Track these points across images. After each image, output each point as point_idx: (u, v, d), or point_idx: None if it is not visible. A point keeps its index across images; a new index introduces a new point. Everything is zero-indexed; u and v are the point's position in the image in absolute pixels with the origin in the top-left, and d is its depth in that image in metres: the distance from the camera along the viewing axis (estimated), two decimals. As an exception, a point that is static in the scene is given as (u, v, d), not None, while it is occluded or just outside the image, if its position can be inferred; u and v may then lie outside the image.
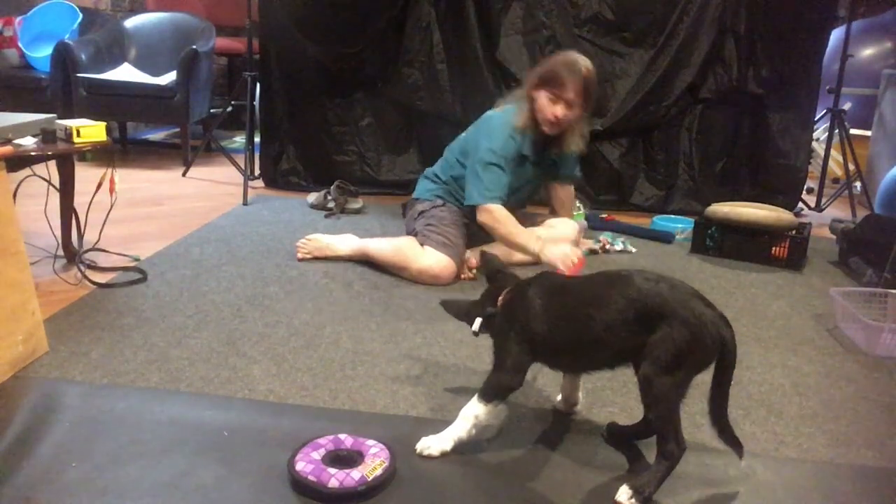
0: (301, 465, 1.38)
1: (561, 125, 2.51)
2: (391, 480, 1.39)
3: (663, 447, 1.37)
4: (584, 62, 2.48)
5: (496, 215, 2.48)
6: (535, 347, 1.48)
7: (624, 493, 1.35)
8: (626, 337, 1.37)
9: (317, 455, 1.42)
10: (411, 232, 2.70)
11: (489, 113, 2.68)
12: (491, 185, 2.50)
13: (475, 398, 1.48)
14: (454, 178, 2.67)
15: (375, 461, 1.40)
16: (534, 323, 1.46)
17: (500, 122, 2.57)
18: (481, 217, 2.51)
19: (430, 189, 2.75)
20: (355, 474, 1.35)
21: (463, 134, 2.73)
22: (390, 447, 1.46)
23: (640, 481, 1.36)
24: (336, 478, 1.34)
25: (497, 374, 1.48)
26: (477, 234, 2.64)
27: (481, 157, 2.51)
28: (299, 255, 2.72)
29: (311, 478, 1.35)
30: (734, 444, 1.43)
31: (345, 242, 2.73)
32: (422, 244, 2.58)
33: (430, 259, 2.52)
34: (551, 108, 2.47)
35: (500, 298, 1.57)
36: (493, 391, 1.47)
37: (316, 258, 2.72)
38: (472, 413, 1.47)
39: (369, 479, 1.35)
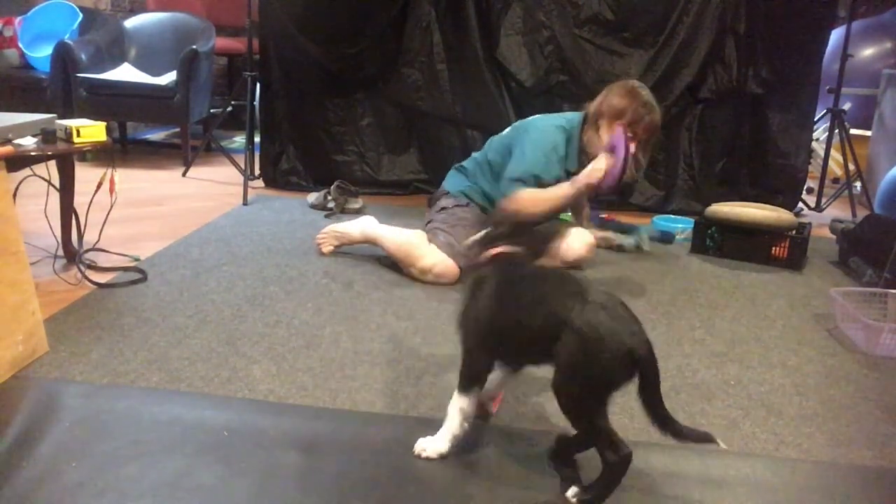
0: None
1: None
2: None
3: (602, 457, 1.33)
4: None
5: (523, 201, 2.25)
6: (487, 339, 1.45)
7: (571, 490, 1.36)
8: (538, 338, 1.35)
9: None
10: (428, 223, 2.66)
11: (539, 121, 2.56)
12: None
13: (455, 393, 1.48)
14: (481, 181, 2.63)
15: None
16: (483, 315, 1.44)
17: (548, 143, 2.46)
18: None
19: (459, 185, 2.69)
20: None
21: (507, 132, 2.64)
22: None
23: (589, 489, 1.35)
24: None
25: (466, 362, 1.47)
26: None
27: (511, 172, 2.45)
28: (325, 249, 2.76)
29: None
30: (692, 437, 1.35)
31: (357, 226, 2.73)
32: (430, 241, 2.56)
33: (434, 259, 2.51)
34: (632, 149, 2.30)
35: (484, 259, 1.53)
36: (467, 380, 1.47)
37: (336, 248, 2.76)
38: (458, 407, 1.47)
39: None
